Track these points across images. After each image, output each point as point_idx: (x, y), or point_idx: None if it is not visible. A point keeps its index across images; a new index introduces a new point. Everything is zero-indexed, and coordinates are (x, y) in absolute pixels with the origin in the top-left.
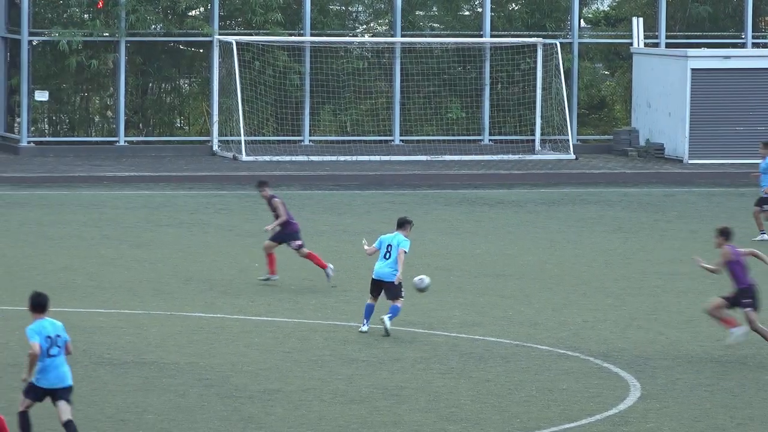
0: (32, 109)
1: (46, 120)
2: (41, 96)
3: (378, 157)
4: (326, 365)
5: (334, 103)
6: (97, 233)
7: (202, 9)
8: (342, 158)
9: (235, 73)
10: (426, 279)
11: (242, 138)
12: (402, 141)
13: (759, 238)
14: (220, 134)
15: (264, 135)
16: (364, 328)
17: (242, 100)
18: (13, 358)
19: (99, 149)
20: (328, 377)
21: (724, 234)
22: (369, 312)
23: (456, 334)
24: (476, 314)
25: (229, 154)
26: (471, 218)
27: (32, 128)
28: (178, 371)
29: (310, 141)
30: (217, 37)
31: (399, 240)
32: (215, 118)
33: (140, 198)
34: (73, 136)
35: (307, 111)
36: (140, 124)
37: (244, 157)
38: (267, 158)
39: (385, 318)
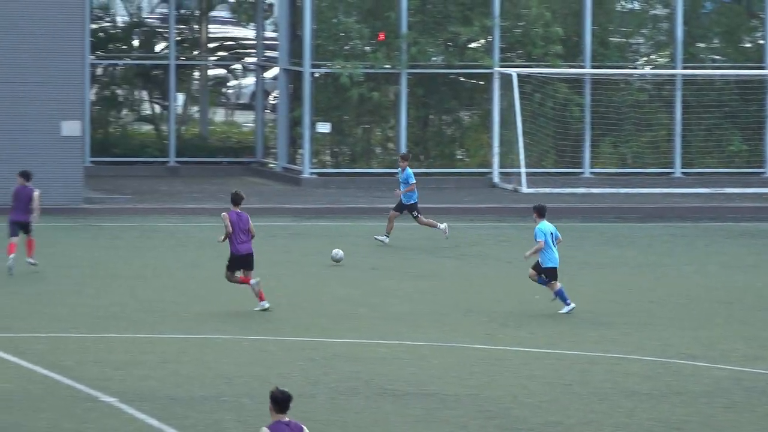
0: (314, 141)
1: (327, 151)
2: (323, 128)
3: (659, 189)
4: (607, 398)
5: (615, 135)
6: (380, 265)
7: (482, 41)
8: (623, 190)
9: (515, 105)
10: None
11: (522, 170)
12: (683, 173)
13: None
14: (501, 166)
15: (544, 167)
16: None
17: (522, 131)
18: (297, 389)
19: (380, 181)
20: (609, 410)
21: None
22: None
23: (739, 368)
24: (759, 348)
25: (510, 186)
26: (753, 251)
27: (314, 160)
28: (459, 403)
29: (590, 173)
30: (497, 69)
31: (553, 227)
32: (496, 149)
33: (422, 229)
34: (354, 168)
35: (587, 143)
36: (421, 156)
37: (525, 189)
38: (547, 190)
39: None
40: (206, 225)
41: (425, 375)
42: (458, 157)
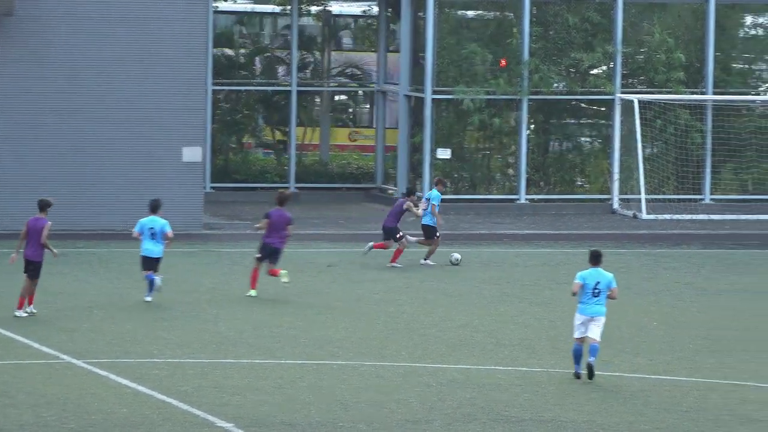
0: (434, 167)
1: (448, 178)
2: (443, 153)
3: None
4: (724, 425)
5: (736, 162)
6: (497, 290)
7: (604, 67)
8: (743, 217)
9: (636, 131)
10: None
11: (642, 196)
12: None
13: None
14: (620, 192)
15: (664, 193)
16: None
17: (643, 158)
18: (413, 415)
19: (500, 207)
20: None
21: None
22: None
23: None
24: None
25: (630, 212)
26: None
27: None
28: (576, 429)
29: (711, 199)
30: (619, 95)
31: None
32: (616, 176)
33: (540, 256)
34: (474, 194)
35: (708, 169)
36: (541, 182)
37: (645, 215)
38: (667, 216)
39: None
40: (325, 251)
41: (541, 401)
42: (578, 183)
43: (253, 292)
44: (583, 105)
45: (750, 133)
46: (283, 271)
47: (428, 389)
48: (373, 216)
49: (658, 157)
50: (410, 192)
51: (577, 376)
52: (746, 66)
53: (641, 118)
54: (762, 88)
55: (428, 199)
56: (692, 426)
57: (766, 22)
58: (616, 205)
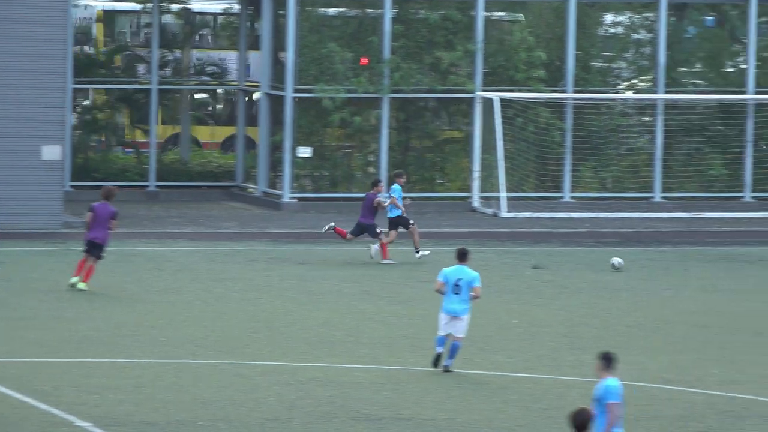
0: (295, 166)
1: (308, 176)
2: (304, 152)
3: (638, 213)
4: None
5: (596, 160)
6: (357, 288)
7: (466, 66)
8: (602, 215)
9: (496, 130)
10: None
11: (502, 194)
12: (663, 198)
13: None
14: (481, 190)
15: (524, 191)
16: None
17: (503, 156)
18: (272, 413)
19: (360, 205)
20: None
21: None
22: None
23: (714, 392)
24: (735, 372)
25: (490, 211)
26: (731, 276)
27: (294, 184)
28: (435, 427)
29: (570, 197)
30: (479, 93)
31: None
32: (476, 174)
33: (400, 254)
34: (334, 192)
35: (568, 167)
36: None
37: (504, 214)
38: (527, 214)
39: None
40: (185, 249)
41: (401, 399)
42: (438, 181)
43: (75, 279)
44: (443, 103)
45: (609, 131)
46: (82, 283)
47: (288, 388)
48: (232, 215)
49: (519, 155)
50: (375, 183)
51: (438, 357)
52: (606, 64)
53: (502, 117)
54: (621, 87)
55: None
56: (551, 423)
57: (625, 20)
58: (476, 204)
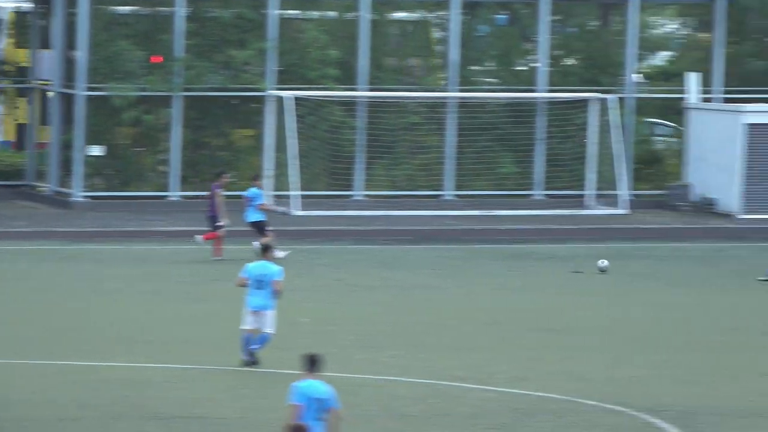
0: (86, 164)
1: (99, 175)
2: (96, 151)
3: (430, 211)
4: (374, 420)
5: (388, 158)
6: (151, 287)
7: (258, 65)
8: (394, 213)
9: (288, 128)
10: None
11: (294, 192)
12: (454, 196)
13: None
14: (274, 189)
15: (317, 189)
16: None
17: (295, 155)
18: (64, 413)
19: (151, 204)
20: None
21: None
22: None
23: (505, 390)
24: (525, 369)
25: (281, 209)
26: (521, 273)
27: (86, 183)
28: (226, 425)
29: (363, 195)
30: (271, 91)
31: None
32: (268, 172)
33: (190, 252)
34: (126, 191)
35: (360, 166)
36: (195, 179)
37: (295, 212)
38: (318, 212)
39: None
40: None
41: (193, 398)
42: (232, 180)
43: None
44: (236, 102)
45: (402, 130)
46: None
47: (82, 387)
48: (22, 214)
49: (311, 153)
50: (219, 174)
51: (245, 363)
52: (399, 62)
53: (295, 115)
54: (414, 85)
55: (250, 198)
56: (366, 420)
57: (419, 18)
58: (269, 201)
